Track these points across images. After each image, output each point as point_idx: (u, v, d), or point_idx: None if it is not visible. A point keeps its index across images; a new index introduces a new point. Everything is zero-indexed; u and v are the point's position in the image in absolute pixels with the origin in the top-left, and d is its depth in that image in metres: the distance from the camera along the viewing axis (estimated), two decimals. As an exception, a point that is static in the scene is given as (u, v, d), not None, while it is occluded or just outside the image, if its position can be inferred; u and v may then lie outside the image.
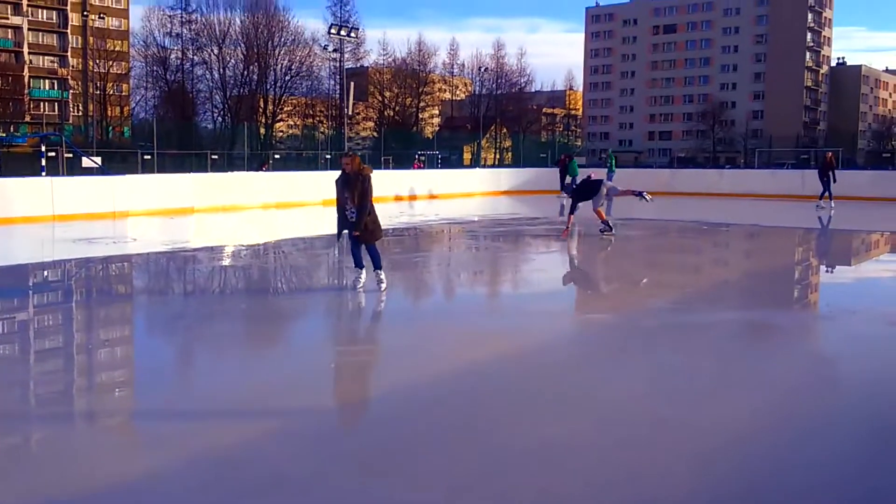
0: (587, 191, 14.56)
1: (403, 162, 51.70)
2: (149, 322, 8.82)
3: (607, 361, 6.65)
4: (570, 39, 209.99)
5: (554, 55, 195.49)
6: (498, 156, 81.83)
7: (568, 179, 27.64)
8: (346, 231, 9.05)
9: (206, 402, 5.49)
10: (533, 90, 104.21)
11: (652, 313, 8.56)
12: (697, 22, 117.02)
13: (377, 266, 9.10)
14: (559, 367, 6.37)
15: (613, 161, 30.09)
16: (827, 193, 22.78)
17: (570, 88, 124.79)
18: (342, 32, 44.79)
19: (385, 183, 26.61)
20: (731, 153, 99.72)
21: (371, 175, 8.82)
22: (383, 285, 9.09)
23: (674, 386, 5.87)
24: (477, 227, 19.78)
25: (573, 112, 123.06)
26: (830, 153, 25.43)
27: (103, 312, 9.33)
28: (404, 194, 27.07)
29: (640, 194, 14.83)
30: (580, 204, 14.73)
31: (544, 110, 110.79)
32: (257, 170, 31.70)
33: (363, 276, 9.22)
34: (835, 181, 22.90)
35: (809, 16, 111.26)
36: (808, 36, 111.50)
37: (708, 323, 8.21)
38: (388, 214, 22.21)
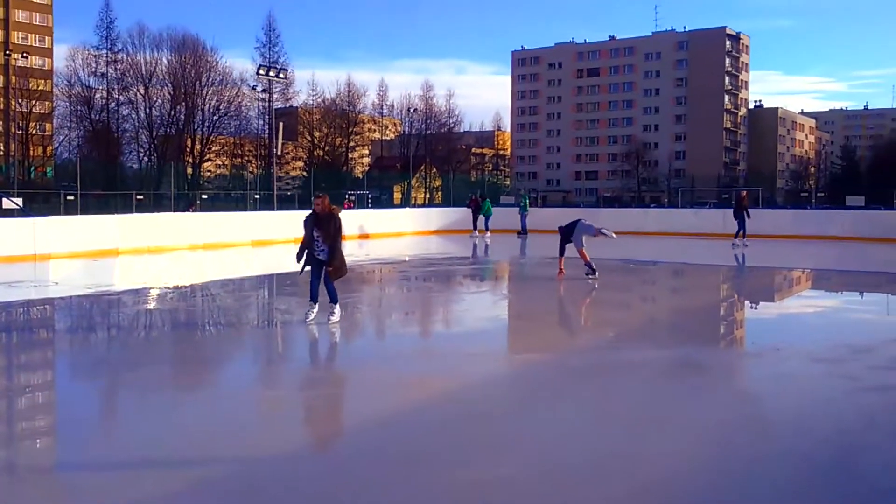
0: (567, 232, 14.86)
1: (334, 202, 51.30)
2: (71, 368, 8.54)
3: (538, 402, 6.70)
4: (496, 81, 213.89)
5: (481, 96, 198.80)
6: (428, 195, 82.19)
7: (481, 220, 28.83)
8: (307, 266, 9.70)
9: (128, 451, 5.32)
10: (462, 130, 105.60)
11: (580, 352, 8.69)
12: (620, 66, 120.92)
13: (334, 300, 9.75)
14: (491, 409, 6.40)
15: (527, 201, 30.58)
16: (742, 231, 23.66)
17: (499, 129, 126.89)
18: (271, 73, 44.69)
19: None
20: (655, 192, 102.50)
21: (340, 215, 9.61)
22: (334, 318, 9.73)
23: (602, 425, 5.95)
24: (408, 266, 19.80)
25: (502, 152, 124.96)
26: (745, 192, 26.59)
27: (23, 358, 8.99)
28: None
29: (604, 233, 14.92)
30: (566, 245, 14.95)
31: (473, 150, 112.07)
32: (185, 210, 31.11)
33: (315, 309, 9.76)
34: (748, 218, 23.82)
35: (727, 60, 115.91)
36: (727, 80, 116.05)
37: (637, 361, 8.35)
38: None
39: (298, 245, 9.80)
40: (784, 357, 8.46)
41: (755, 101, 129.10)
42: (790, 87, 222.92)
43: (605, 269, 18.90)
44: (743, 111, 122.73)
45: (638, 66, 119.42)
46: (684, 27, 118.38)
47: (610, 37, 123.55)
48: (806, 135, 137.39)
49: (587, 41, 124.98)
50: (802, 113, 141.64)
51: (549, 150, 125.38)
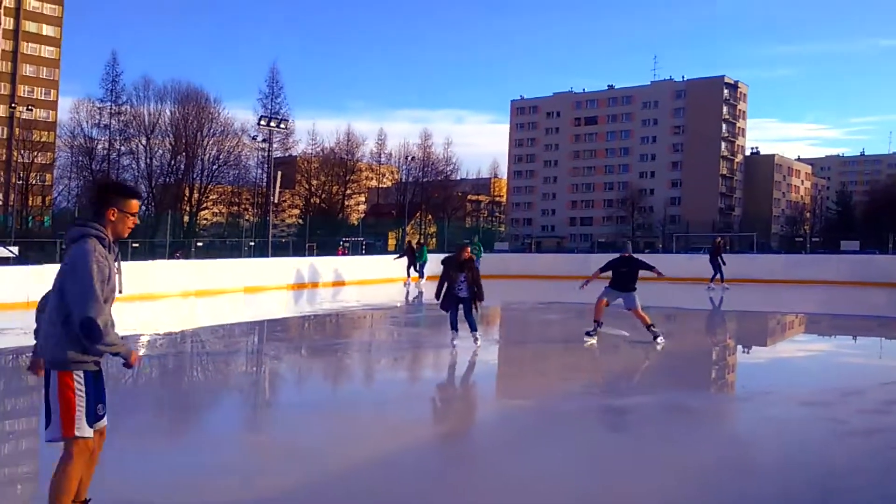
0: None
1: (328, 248, 51.62)
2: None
3: (524, 445, 6.67)
4: (494, 129, 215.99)
5: (479, 144, 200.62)
6: (423, 241, 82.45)
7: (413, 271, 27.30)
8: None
9: (111, 495, 5.28)
10: (458, 178, 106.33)
11: (570, 397, 8.65)
12: (618, 114, 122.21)
13: (475, 329, 11.70)
14: (481, 454, 6.37)
15: (480, 248, 28.74)
16: (718, 276, 24.38)
17: (495, 176, 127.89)
18: (272, 124, 45.18)
19: (307, 269, 26.50)
20: (649, 238, 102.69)
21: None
22: (478, 342, 11.71)
23: (588, 467, 5.92)
24: (399, 312, 19.77)
25: (497, 199, 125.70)
26: (720, 238, 27.26)
27: (10, 404, 8.96)
28: (328, 280, 26.89)
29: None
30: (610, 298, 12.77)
31: (469, 197, 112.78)
32: (170, 257, 30.91)
33: (457, 336, 11.79)
34: (724, 264, 24.62)
35: (724, 108, 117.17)
36: (724, 127, 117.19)
37: (625, 406, 8.32)
38: (309, 301, 22.07)
39: (437, 285, 11.72)
40: (773, 401, 8.43)
41: (752, 148, 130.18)
42: (787, 133, 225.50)
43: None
44: (739, 158, 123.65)
45: (636, 114, 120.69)
46: (682, 76, 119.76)
47: (609, 86, 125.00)
48: (802, 181, 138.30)
49: (586, 90, 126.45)
50: (799, 159, 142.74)
51: (545, 196, 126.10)
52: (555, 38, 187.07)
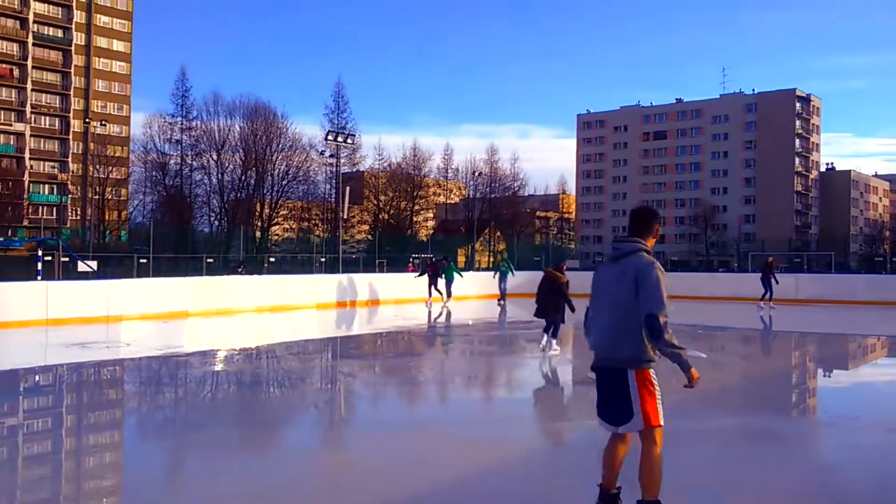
0: None
1: (397, 265, 51.94)
2: (140, 428, 8.69)
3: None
4: (560, 145, 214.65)
5: (546, 160, 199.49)
6: (492, 259, 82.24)
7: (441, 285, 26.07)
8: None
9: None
10: (526, 194, 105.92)
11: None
12: (687, 128, 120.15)
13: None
14: (557, 476, 6.26)
15: (510, 265, 28.00)
16: (768, 295, 24.25)
17: (563, 192, 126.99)
18: (339, 139, 45.72)
19: (379, 286, 26.74)
20: (724, 256, 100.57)
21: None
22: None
23: (675, 493, 5.75)
24: (471, 330, 19.72)
25: (566, 215, 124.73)
26: (771, 258, 27.05)
27: (94, 418, 9.20)
28: (399, 297, 27.05)
29: None
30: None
31: (538, 213, 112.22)
32: (231, 273, 30.82)
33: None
34: (777, 283, 24.56)
35: (797, 122, 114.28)
36: (797, 142, 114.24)
37: (707, 429, 8.10)
38: (382, 318, 22.21)
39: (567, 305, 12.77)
40: (860, 426, 8.13)
41: (827, 164, 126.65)
42: (862, 149, 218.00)
43: (673, 333, 18.53)
44: (814, 174, 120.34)
45: (705, 128, 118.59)
46: (753, 89, 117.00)
47: (677, 99, 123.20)
48: (880, 197, 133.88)
49: (653, 104, 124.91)
50: (876, 175, 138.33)
51: (615, 213, 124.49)
52: (620, 51, 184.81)
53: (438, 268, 26.48)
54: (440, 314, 23.32)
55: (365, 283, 26.28)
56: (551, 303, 12.87)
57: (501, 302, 26.34)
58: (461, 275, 26.57)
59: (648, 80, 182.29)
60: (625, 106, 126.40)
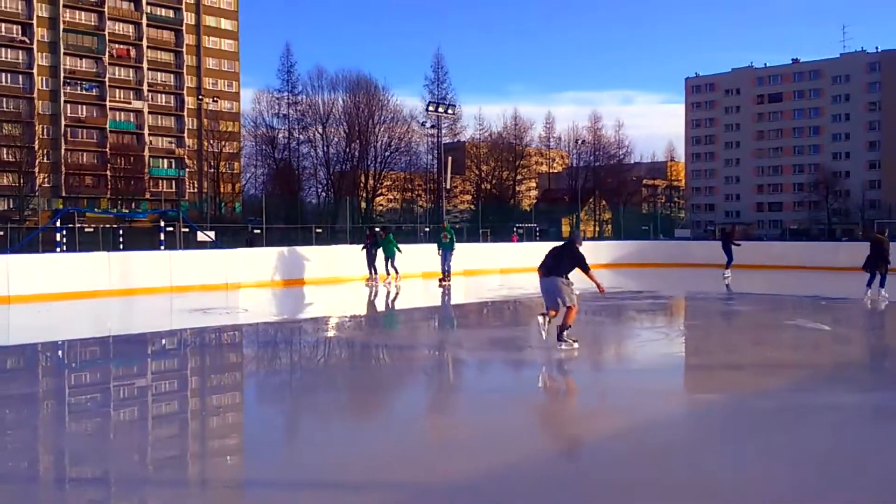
0: None
1: (501, 235, 51.93)
2: (258, 391, 9.03)
3: (718, 444, 6.38)
4: (667, 110, 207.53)
5: (651, 126, 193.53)
6: (597, 228, 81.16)
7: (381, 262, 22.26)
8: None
9: (311, 472, 5.54)
10: (632, 162, 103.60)
11: (766, 394, 8.17)
12: (805, 90, 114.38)
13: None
14: (669, 449, 6.15)
15: (452, 236, 22.59)
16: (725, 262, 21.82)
17: (672, 159, 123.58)
18: (440, 109, 45.89)
19: (483, 256, 26.88)
20: (847, 225, 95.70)
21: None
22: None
23: (790, 470, 5.57)
24: (578, 300, 19.51)
25: (675, 183, 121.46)
26: (733, 226, 25.23)
27: (216, 380, 9.65)
28: (503, 266, 27.10)
29: None
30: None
31: (644, 182, 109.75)
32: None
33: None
34: (738, 246, 22.91)
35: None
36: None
37: (828, 404, 7.78)
38: (487, 287, 22.26)
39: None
40: None
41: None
42: None
43: (793, 305, 17.87)
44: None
45: (825, 90, 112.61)
46: (876, 47, 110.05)
47: (793, 60, 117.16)
48: None
49: (767, 65, 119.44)
50: None
51: (728, 180, 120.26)
52: (730, 11, 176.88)
53: (375, 238, 22.57)
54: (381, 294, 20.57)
55: (469, 252, 26.40)
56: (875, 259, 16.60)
57: (445, 282, 21.90)
58: (399, 249, 22.32)
59: (761, 40, 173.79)
60: (736, 68, 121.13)
